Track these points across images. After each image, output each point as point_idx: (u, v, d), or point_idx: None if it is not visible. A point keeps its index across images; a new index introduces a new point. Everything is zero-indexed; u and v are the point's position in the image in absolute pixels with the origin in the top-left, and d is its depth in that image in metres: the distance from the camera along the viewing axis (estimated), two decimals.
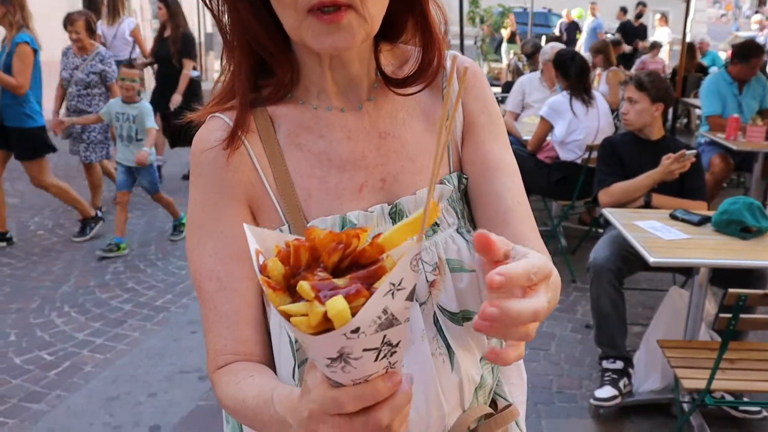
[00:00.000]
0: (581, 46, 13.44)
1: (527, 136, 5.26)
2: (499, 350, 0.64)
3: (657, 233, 3.00)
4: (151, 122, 5.03)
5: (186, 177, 7.31)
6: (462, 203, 1.02)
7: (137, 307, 4.27)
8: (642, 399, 3.19)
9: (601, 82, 7.54)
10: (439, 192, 0.98)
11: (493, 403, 1.05)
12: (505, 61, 13.38)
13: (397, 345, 0.59)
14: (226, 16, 0.94)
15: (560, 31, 15.49)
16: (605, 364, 3.24)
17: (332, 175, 0.96)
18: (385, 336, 0.57)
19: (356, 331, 0.55)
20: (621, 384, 3.15)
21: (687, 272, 3.53)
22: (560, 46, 6.30)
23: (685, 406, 2.92)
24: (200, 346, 3.75)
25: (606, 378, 3.19)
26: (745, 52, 5.81)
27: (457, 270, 0.95)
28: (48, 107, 5.52)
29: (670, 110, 7.68)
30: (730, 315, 2.40)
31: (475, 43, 15.54)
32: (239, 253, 0.94)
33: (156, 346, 3.78)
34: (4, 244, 5.23)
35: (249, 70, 0.96)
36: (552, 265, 0.97)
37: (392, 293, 0.56)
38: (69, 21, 5.58)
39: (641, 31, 14.53)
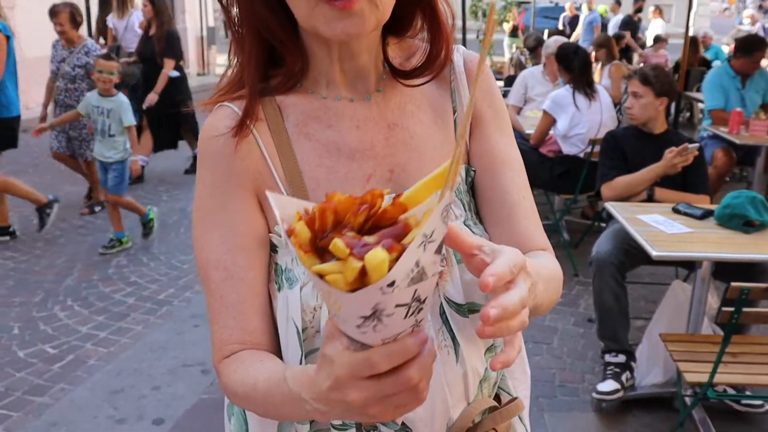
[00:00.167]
0: (579, 41, 13.40)
1: (530, 130, 5.25)
2: (500, 355, 0.69)
3: (660, 227, 3.00)
4: (129, 118, 4.86)
5: (188, 171, 7.31)
6: (469, 196, 1.02)
7: (140, 301, 4.29)
8: (644, 393, 3.20)
9: (603, 76, 7.52)
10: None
11: (497, 398, 1.05)
12: (507, 55, 13.36)
13: (424, 301, 0.60)
14: (236, 8, 0.94)
15: (563, 24, 15.45)
16: (608, 357, 3.25)
17: (341, 165, 0.96)
18: (416, 291, 0.58)
19: (392, 284, 0.55)
20: (623, 378, 3.15)
21: (689, 266, 3.52)
22: (563, 39, 6.29)
23: (688, 400, 2.92)
24: (203, 340, 3.76)
25: (608, 372, 3.19)
26: (748, 45, 5.80)
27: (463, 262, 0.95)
28: (38, 100, 5.42)
29: (673, 104, 7.67)
30: (732, 309, 2.40)
31: (477, 36, 15.53)
32: (246, 242, 0.95)
33: (159, 340, 3.79)
34: (7, 238, 5.25)
35: (259, 59, 0.96)
36: (550, 258, 0.98)
37: (424, 245, 0.56)
38: (53, 13, 5.53)
39: (636, 25, 14.47)
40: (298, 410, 0.77)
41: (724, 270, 3.11)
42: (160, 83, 6.67)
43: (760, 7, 31.09)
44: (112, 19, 7.47)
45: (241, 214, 0.95)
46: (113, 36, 7.59)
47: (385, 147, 0.98)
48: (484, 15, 15.48)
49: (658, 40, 11.69)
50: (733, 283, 2.39)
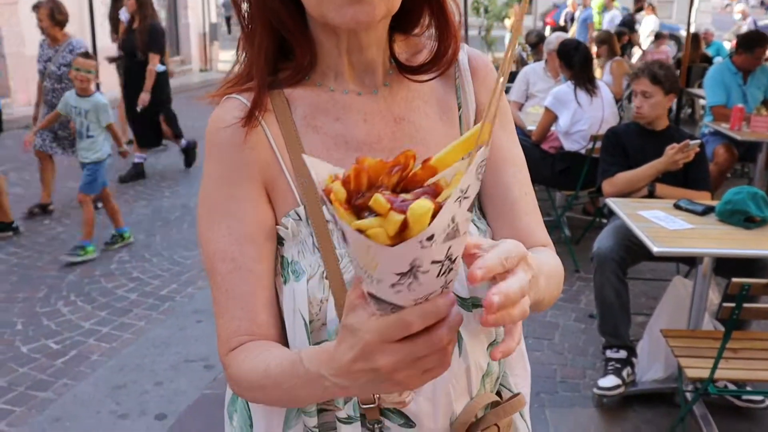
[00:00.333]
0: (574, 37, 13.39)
1: (531, 126, 5.25)
2: (500, 345, 0.70)
3: (661, 223, 3.01)
4: (107, 118, 4.79)
5: (188, 166, 7.32)
6: None
7: (143, 297, 4.30)
8: (645, 388, 3.21)
9: (604, 72, 7.51)
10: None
11: (498, 394, 1.05)
12: None
13: (455, 261, 0.61)
14: (246, 4, 0.94)
15: (565, 20, 15.42)
16: (609, 353, 3.26)
17: (349, 158, 0.96)
18: (449, 247, 0.59)
19: (431, 238, 0.56)
20: (624, 373, 3.16)
21: (690, 262, 3.53)
22: (565, 35, 6.28)
23: (689, 396, 2.93)
24: (205, 335, 3.77)
25: (609, 367, 3.20)
26: (750, 42, 5.80)
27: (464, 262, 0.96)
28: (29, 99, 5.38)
29: (675, 100, 7.66)
30: (733, 304, 2.41)
31: (479, 33, 15.51)
32: (255, 233, 0.94)
33: (162, 335, 3.80)
34: (10, 233, 5.25)
35: (269, 51, 0.96)
36: (551, 254, 0.99)
37: (460, 201, 0.57)
38: (35, 7, 5.48)
39: (630, 21, 14.45)
40: (316, 389, 0.77)
41: (725, 266, 3.11)
42: (149, 80, 6.59)
43: (762, 3, 31.00)
44: (123, 13, 7.45)
45: (250, 204, 0.95)
46: (125, 29, 7.59)
47: (392, 141, 0.98)
48: (486, 11, 15.44)
49: (659, 36, 11.69)
50: (734, 279, 2.39)
